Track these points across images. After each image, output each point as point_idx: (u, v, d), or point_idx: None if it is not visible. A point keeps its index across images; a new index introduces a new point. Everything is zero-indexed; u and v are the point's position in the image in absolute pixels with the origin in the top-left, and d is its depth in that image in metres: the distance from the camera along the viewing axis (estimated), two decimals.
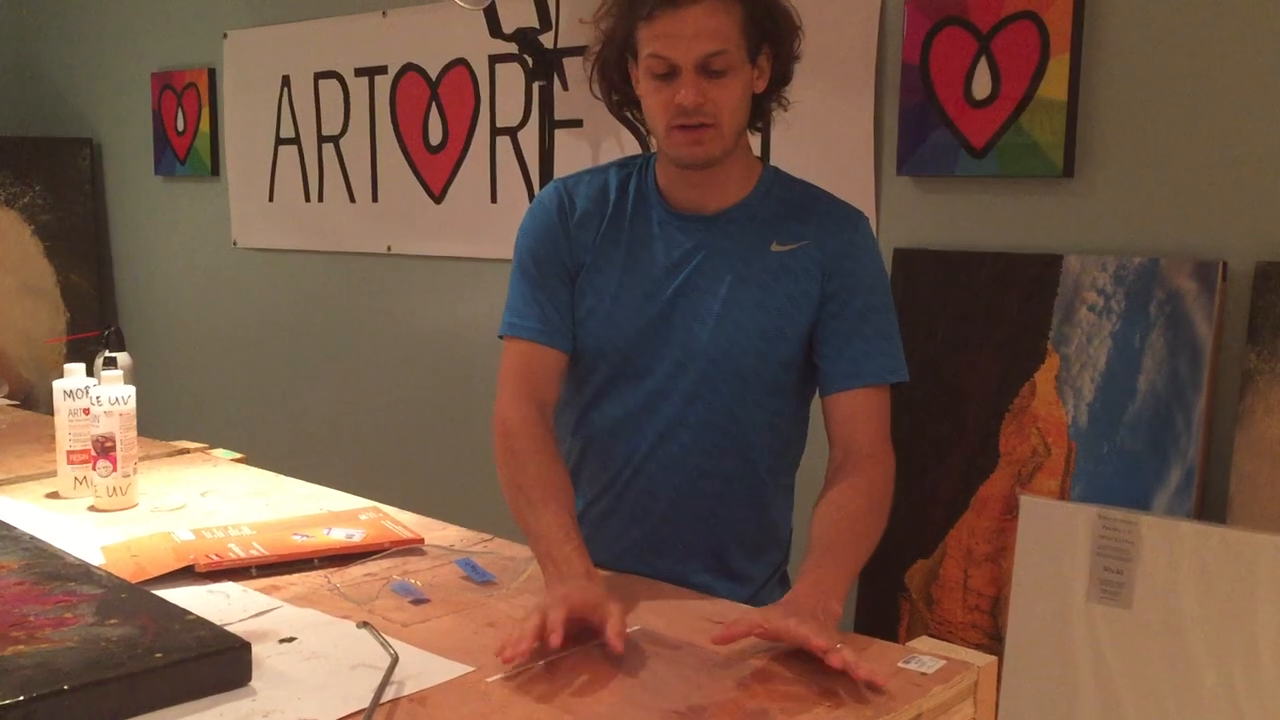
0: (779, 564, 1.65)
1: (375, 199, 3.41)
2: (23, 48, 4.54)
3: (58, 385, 1.84)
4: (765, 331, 1.48)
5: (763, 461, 1.55)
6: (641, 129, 1.60)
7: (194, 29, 3.91)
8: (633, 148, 2.70)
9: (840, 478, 1.43)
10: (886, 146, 2.40)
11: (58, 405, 1.84)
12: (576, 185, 1.57)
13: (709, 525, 1.56)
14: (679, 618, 1.32)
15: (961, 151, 2.27)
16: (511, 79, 3.02)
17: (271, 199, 3.71)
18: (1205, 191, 2.04)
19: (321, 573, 1.47)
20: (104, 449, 1.74)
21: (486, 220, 3.12)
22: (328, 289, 3.61)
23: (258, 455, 2.18)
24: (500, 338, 1.55)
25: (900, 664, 1.18)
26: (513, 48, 2.61)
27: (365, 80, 3.38)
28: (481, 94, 3.10)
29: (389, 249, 3.40)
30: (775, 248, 1.50)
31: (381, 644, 1.21)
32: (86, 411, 1.80)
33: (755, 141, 1.90)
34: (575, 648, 1.20)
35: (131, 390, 1.78)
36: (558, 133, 2.70)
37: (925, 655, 1.20)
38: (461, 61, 3.13)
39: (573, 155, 2.79)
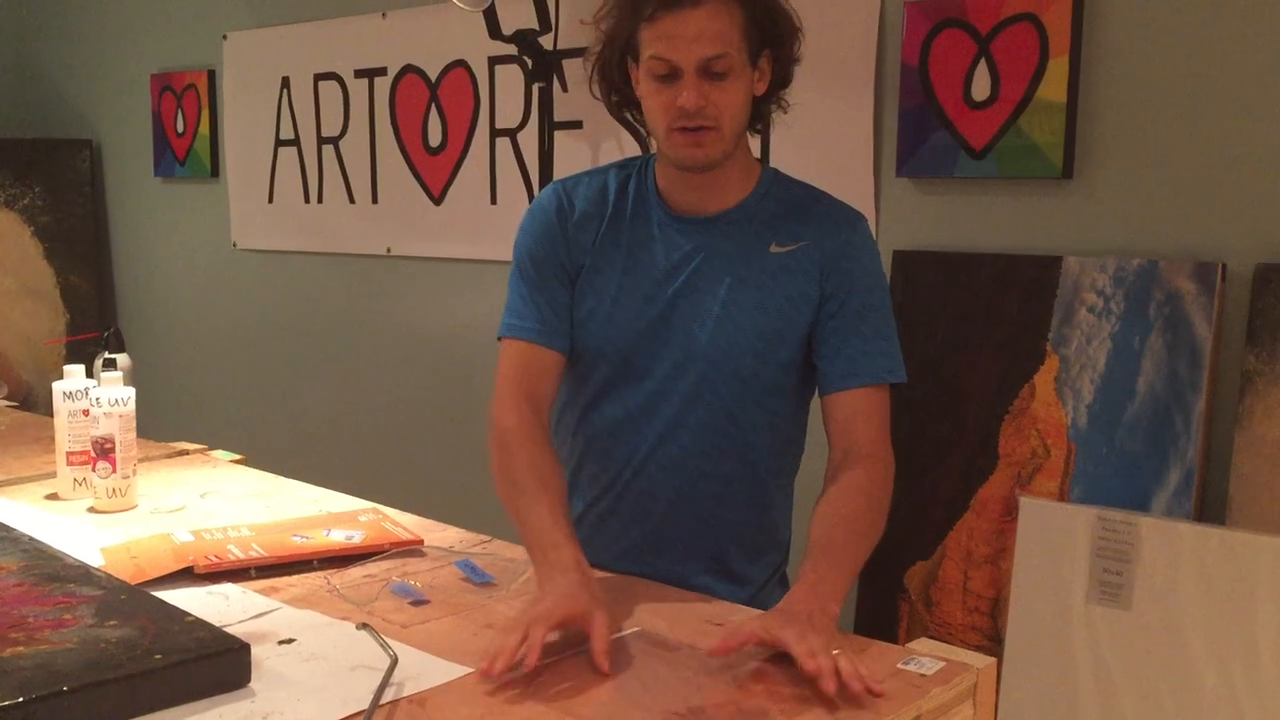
0: (778, 565, 1.65)
1: (375, 200, 3.41)
2: (23, 49, 4.54)
3: (57, 387, 1.84)
4: (764, 333, 1.49)
5: (762, 462, 1.55)
6: (641, 130, 1.61)
7: (194, 30, 3.92)
8: (632, 149, 2.70)
9: (839, 478, 1.43)
10: (886, 148, 2.40)
11: (57, 407, 1.84)
12: (575, 187, 1.57)
13: (709, 526, 1.56)
14: (679, 619, 1.32)
15: (961, 153, 2.27)
16: (511, 80, 3.02)
17: (271, 200, 3.71)
18: (1204, 193, 2.04)
19: (321, 574, 1.47)
20: (103, 450, 1.74)
21: (486, 222, 3.12)
22: (327, 290, 3.61)
23: (257, 457, 2.18)
24: (499, 339, 1.55)
25: (899, 665, 1.18)
26: (512, 49, 2.61)
27: (365, 82, 3.38)
28: (481, 95, 3.10)
29: (388, 250, 3.40)
30: (774, 249, 1.50)
31: (381, 645, 1.21)
32: (86, 413, 1.80)
33: (755, 143, 1.90)
34: (572, 651, 1.19)
35: (131, 392, 1.78)
36: (557, 134, 2.70)
37: (924, 657, 1.21)
38: (461, 63, 3.14)
39: (572, 157, 2.80)
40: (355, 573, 1.48)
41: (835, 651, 1.13)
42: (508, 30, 2.57)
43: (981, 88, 2.24)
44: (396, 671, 1.15)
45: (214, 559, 1.46)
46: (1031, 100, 2.18)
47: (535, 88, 2.61)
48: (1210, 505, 2.01)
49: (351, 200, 3.47)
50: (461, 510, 1.99)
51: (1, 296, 4.12)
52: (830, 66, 2.40)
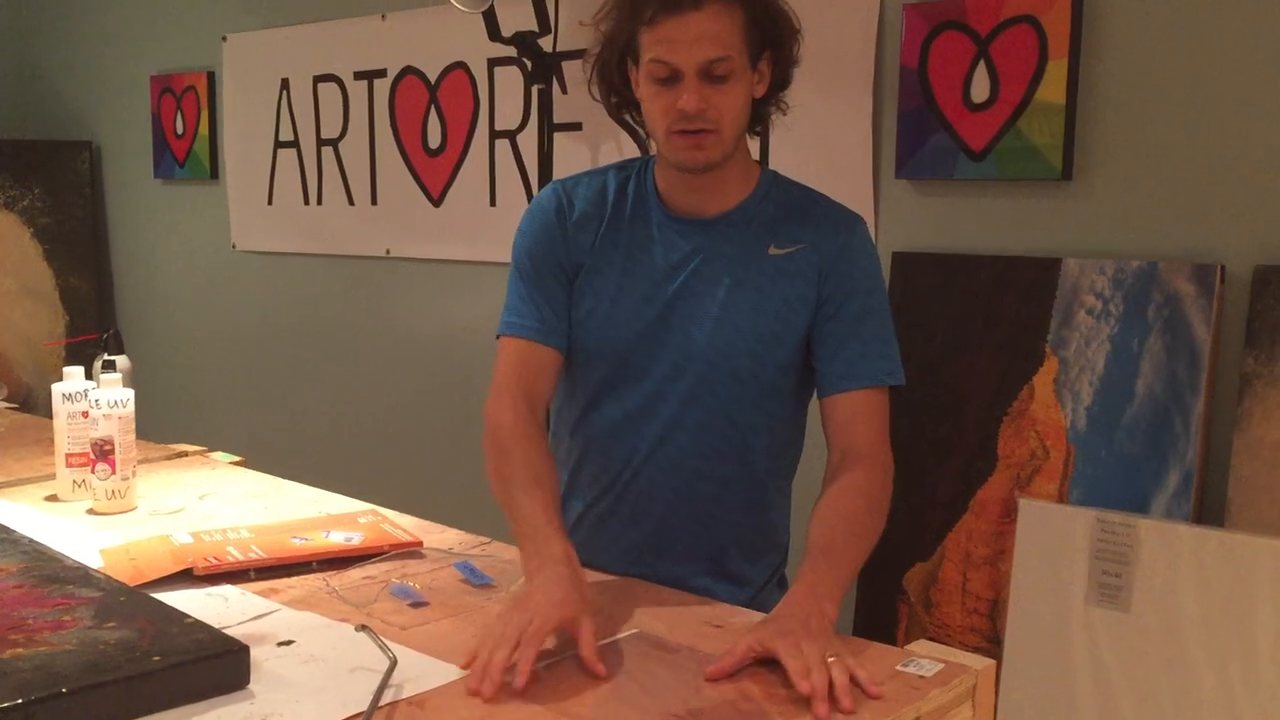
0: (777, 566, 1.65)
1: (374, 202, 3.41)
2: (22, 50, 4.54)
3: (57, 388, 1.84)
4: (762, 334, 1.49)
5: (760, 464, 1.55)
6: (640, 132, 1.60)
7: (193, 32, 3.92)
8: (631, 151, 2.70)
9: (838, 479, 1.43)
10: (885, 150, 2.40)
11: (56, 408, 1.84)
12: (575, 187, 1.57)
13: (707, 527, 1.56)
14: (678, 621, 1.32)
15: (960, 155, 2.27)
16: (510, 82, 3.02)
17: (270, 202, 3.71)
18: (1203, 195, 2.04)
19: (320, 576, 1.47)
20: (103, 452, 1.74)
21: (485, 223, 3.12)
22: (327, 292, 3.61)
23: (256, 458, 2.18)
24: (498, 338, 1.55)
25: (898, 667, 1.18)
26: (512, 51, 2.61)
27: (364, 83, 3.38)
28: (480, 97, 3.11)
29: (388, 252, 3.40)
30: (773, 251, 1.50)
31: (380, 647, 1.21)
32: (85, 414, 1.80)
33: (754, 145, 1.90)
34: (570, 652, 1.19)
35: (130, 393, 1.78)
36: (557, 136, 2.71)
37: (923, 658, 1.21)
38: (460, 65, 3.14)
39: (572, 158, 2.80)
40: (354, 574, 1.48)
41: (831, 658, 1.13)
42: (507, 32, 2.57)
43: (981, 89, 2.24)
44: (395, 673, 1.15)
45: (213, 561, 1.46)
46: (1031, 102, 2.18)
47: (535, 89, 2.62)
48: (1209, 507, 2.01)
49: (351, 202, 3.47)
50: (461, 512, 1.99)
51: (1, 298, 4.12)
52: (829, 68, 2.40)
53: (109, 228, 4.39)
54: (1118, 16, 2.11)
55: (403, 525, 1.66)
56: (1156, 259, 2.07)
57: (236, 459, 2.16)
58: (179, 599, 1.33)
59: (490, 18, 2.57)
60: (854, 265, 1.50)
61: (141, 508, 1.79)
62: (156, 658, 1.08)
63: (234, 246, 3.88)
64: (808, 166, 2.29)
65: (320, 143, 3.53)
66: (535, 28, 2.55)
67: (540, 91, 2.59)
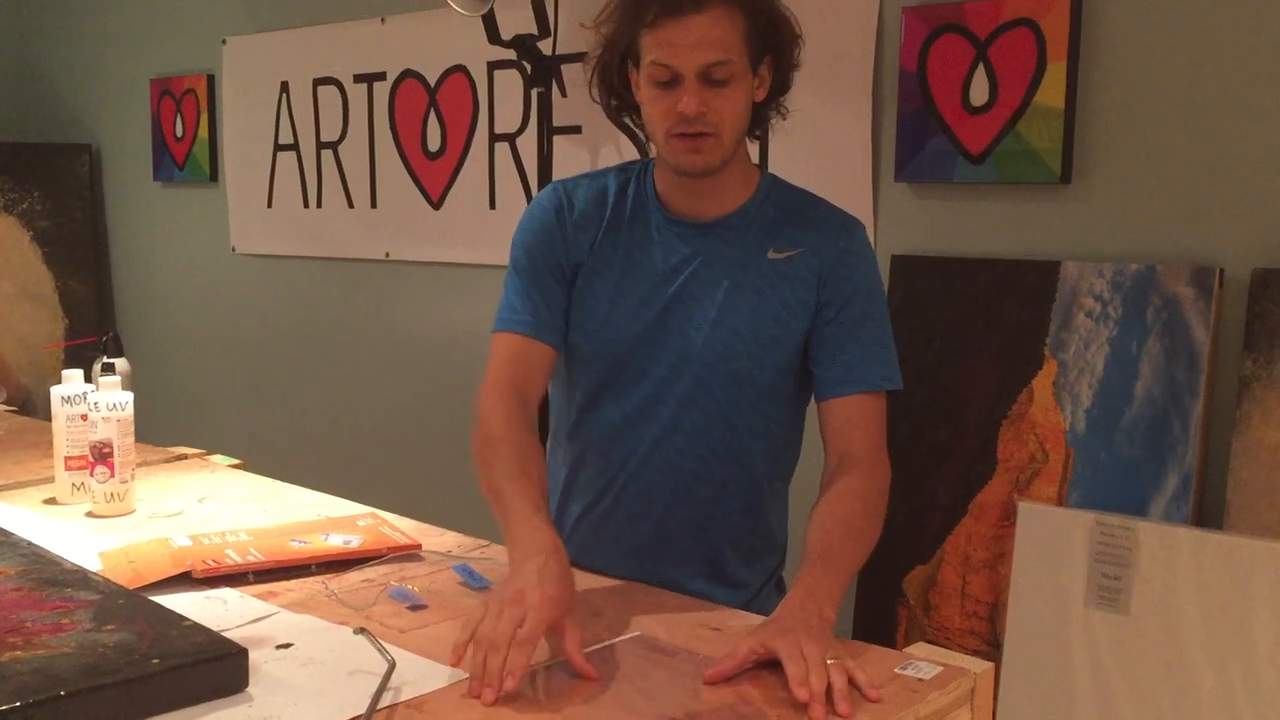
0: (774, 569, 1.65)
1: (374, 205, 3.41)
2: (22, 53, 4.55)
3: (56, 391, 1.84)
4: (761, 337, 1.49)
5: (758, 467, 1.55)
6: (640, 135, 1.61)
7: (193, 35, 3.92)
8: (631, 154, 2.70)
9: (835, 483, 1.43)
10: (884, 153, 2.40)
11: (56, 411, 1.84)
12: (575, 188, 1.57)
13: (705, 530, 1.56)
14: (676, 624, 1.32)
15: (959, 158, 2.27)
16: (510, 85, 3.02)
17: (270, 205, 3.71)
18: (1202, 198, 2.04)
19: (319, 579, 1.47)
20: (102, 455, 1.74)
21: (485, 226, 3.13)
22: (326, 295, 3.61)
23: (255, 461, 2.18)
24: (493, 333, 1.54)
25: (897, 670, 1.18)
26: (511, 54, 2.61)
27: (364, 86, 3.39)
28: (480, 100, 3.11)
29: (387, 255, 3.40)
30: (772, 255, 1.50)
31: (379, 650, 1.21)
32: (84, 417, 1.80)
33: (754, 149, 1.90)
34: (562, 659, 1.19)
35: (129, 396, 1.78)
36: (556, 139, 2.71)
37: (922, 661, 1.20)
38: (460, 68, 3.14)
39: (571, 161, 2.80)
40: (353, 577, 1.48)
41: (831, 660, 1.13)
42: (506, 35, 2.57)
43: (980, 93, 2.24)
44: (394, 676, 1.15)
45: (212, 563, 1.46)
46: (1030, 105, 2.18)
47: (534, 93, 2.62)
48: (1208, 510, 2.01)
49: (350, 205, 3.47)
50: (460, 515, 1.98)
51: (0, 300, 4.12)
52: (829, 72, 2.41)
53: (108, 230, 4.39)
54: (1117, 20, 2.11)
55: (401, 528, 1.66)
56: (1155, 262, 2.07)
57: (235, 462, 2.16)
58: (178, 602, 1.32)
59: (490, 21, 2.57)
60: (853, 269, 1.50)
61: (140, 511, 1.79)
62: (155, 660, 1.08)
63: (233, 249, 3.88)
64: (807, 170, 2.29)
65: (320, 146, 3.53)
66: (535, 31, 2.55)
67: (540, 94, 2.59)
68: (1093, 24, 2.13)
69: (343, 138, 3.46)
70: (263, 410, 3.86)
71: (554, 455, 1.67)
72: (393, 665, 1.16)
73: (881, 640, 1.68)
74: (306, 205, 3.59)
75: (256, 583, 1.45)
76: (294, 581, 1.46)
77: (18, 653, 1.09)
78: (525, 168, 3.02)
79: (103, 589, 1.29)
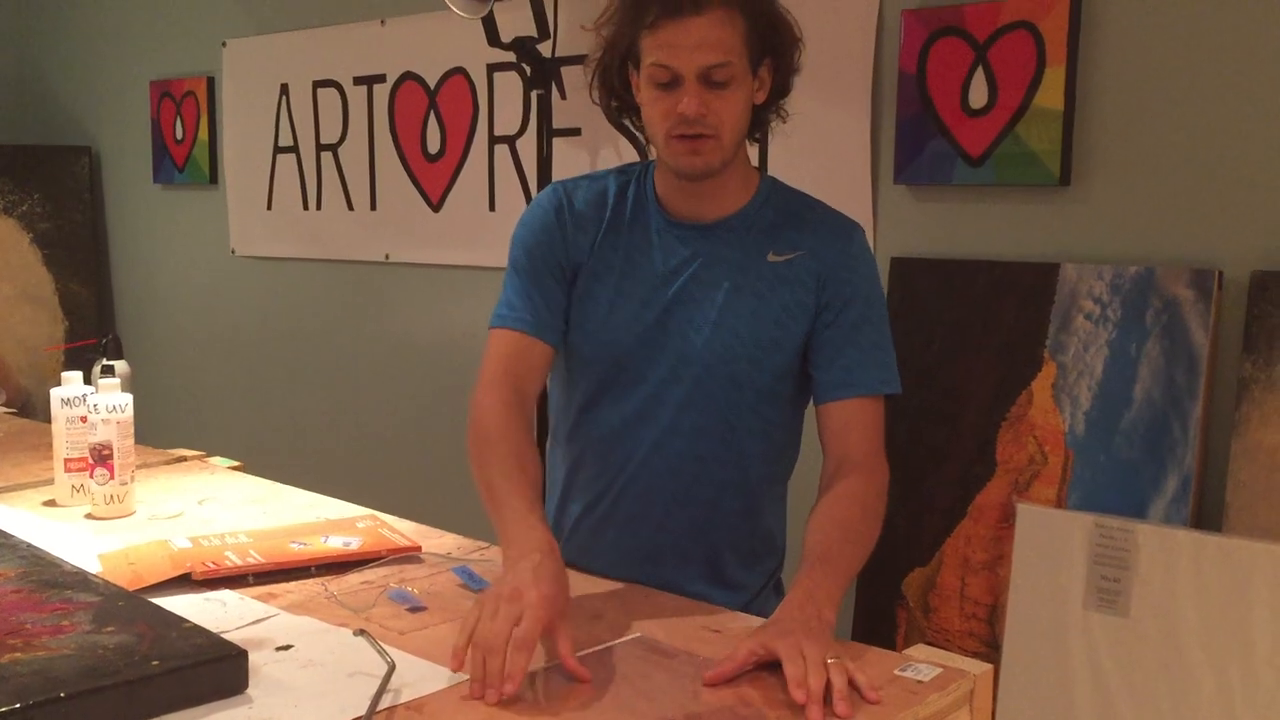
0: (773, 571, 1.65)
1: (373, 207, 3.41)
2: (22, 55, 4.55)
3: (55, 393, 1.84)
4: (760, 340, 1.49)
5: (756, 469, 1.56)
6: (640, 137, 1.61)
7: (193, 37, 3.92)
8: (630, 156, 2.70)
9: (834, 486, 1.43)
10: (884, 156, 2.40)
11: (55, 413, 1.84)
12: (575, 189, 1.57)
13: (704, 532, 1.56)
14: (676, 626, 1.32)
15: (958, 160, 2.27)
16: (510, 87, 3.03)
17: (270, 207, 3.71)
18: (1201, 200, 2.05)
19: (318, 580, 1.47)
20: (101, 457, 1.74)
21: (485, 228, 3.13)
22: (326, 297, 3.61)
23: (255, 463, 2.18)
24: (490, 329, 1.54)
25: (896, 672, 1.19)
26: (511, 56, 2.62)
27: (364, 89, 3.39)
28: (480, 102, 3.11)
29: (387, 257, 3.40)
30: (772, 257, 1.50)
31: (378, 652, 1.21)
32: (84, 419, 1.80)
33: (753, 151, 1.91)
34: (556, 662, 1.19)
35: (129, 398, 1.79)
36: (556, 141, 2.71)
37: (921, 663, 1.21)
38: (460, 70, 3.14)
39: (571, 163, 2.80)
40: (353, 579, 1.48)
41: (832, 660, 1.13)
42: (506, 37, 2.58)
43: (979, 95, 2.24)
44: (394, 677, 1.15)
45: (211, 565, 1.46)
46: (1029, 108, 2.18)
47: (534, 95, 2.62)
48: (1207, 512, 2.01)
49: (350, 207, 3.47)
50: (459, 517, 1.99)
51: (1, 303, 4.12)
52: (828, 74, 2.41)
53: (108, 233, 4.39)
54: (1116, 23, 2.12)
55: (401, 530, 1.66)
56: (1154, 264, 2.07)
57: (235, 464, 2.16)
58: (177, 604, 1.32)
59: (489, 23, 2.58)
60: (853, 273, 1.50)
61: (140, 512, 1.79)
62: (155, 662, 1.08)
63: (233, 251, 3.88)
64: (806, 172, 2.29)
65: (320, 148, 3.53)
66: (534, 33, 2.56)
67: (539, 97, 2.59)
68: (1092, 27, 2.13)
69: (342, 140, 3.47)
70: (262, 412, 3.86)
71: (553, 456, 1.67)
72: (392, 667, 1.16)
73: (881, 642, 1.69)
74: (306, 207, 3.59)
75: (256, 584, 1.45)
76: (294, 583, 1.46)
77: (18, 654, 1.09)
78: (525, 170, 3.02)
79: (102, 591, 1.29)
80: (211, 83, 3.87)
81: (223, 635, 1.17)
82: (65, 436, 1.82)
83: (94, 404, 1.75)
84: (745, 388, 1.50)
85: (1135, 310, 2.06)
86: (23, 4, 4.53)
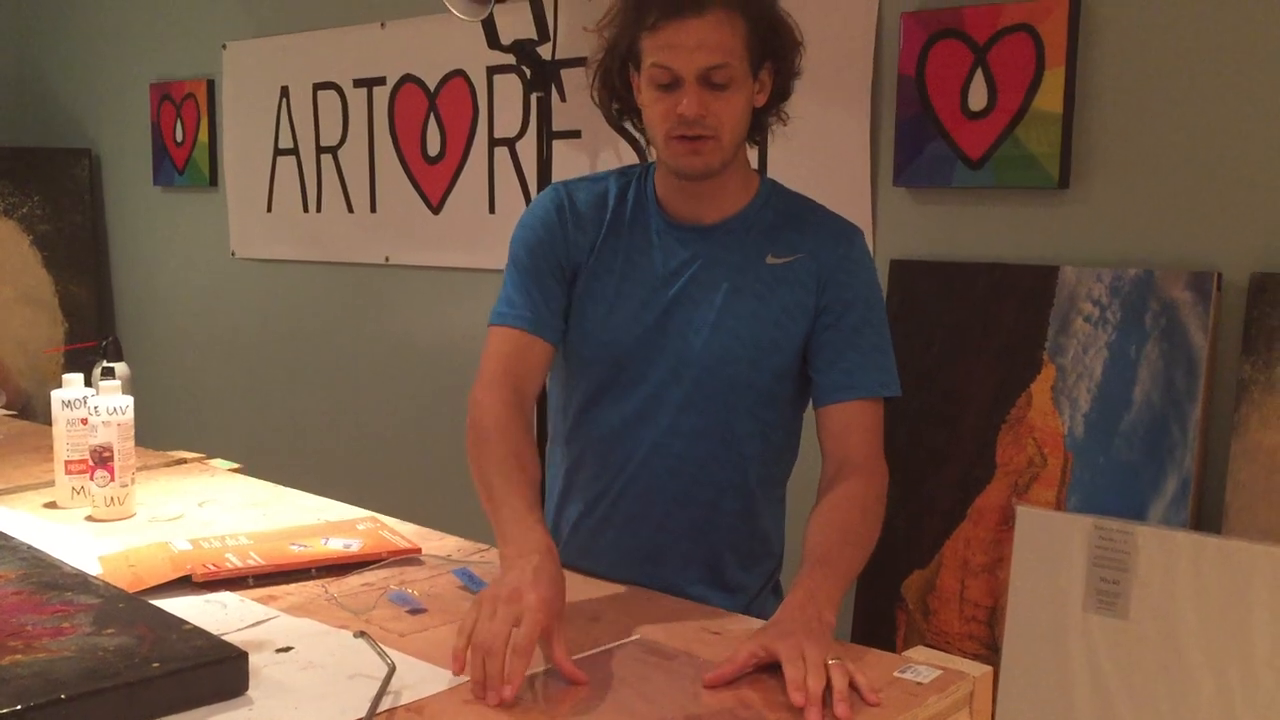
0: (772, 573, 1.65)
1: (373, 209, 3.41)
2: (22, 58, 4.55)
3: (56, 395, 1.84)
4: (759, 341, 1.49)
5: (755, 471, 1.56)
6: (639, 140, 1.61)
7: (193, 40, 3.93)
8: (630, 159, 2.70)
9: (833, 489, 1.43)
10: (883, 158, 2.41)
11: (56, 415, 1.84)
12: (576, 189, 1.57)
13: (704, 533, 1.56)
14: (676, 627, 1.32)
15: (958, 163, 2.28)
16: (509, 90, 3.03)
17: (270, 209, 3.72)
18: (1200, 203, 2.05)
19: (319, 582, 1.47)
20: (102, 459, 1.74)
21: (484, 231, 3.13)
22: (326, 299, 3.62)
23: (255, 465, 2.18)
24: (490, 326, 1.53)
25: (896, 673, 1.19)
26: (511, 59, 2.62)
27: (364, 91, 3.39)
28: (479, 105, 3.11)
29: (387, 259, 3.40)
30: (771, 260, 1.50)
31: (378, 654, 1.21)
32: (84, 421, 1.80)
33: (753, 154, 1.91)
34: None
35: (129, 400, 1.79)
36: (556, 143, 2.71)
37: (921, 665, 1.21)
38: (459, 73, 3.15)
39: (570, 166, 2.80)
40: (353, 581, 1.48)
41: (832, 662, 1.13)
42: (506, 40, 2.58)
43: (978, 98, 2.24)
44: (394, 679, 1.15)
45: (212, 567, 1.46)
46: (1028, 111, 2.18)
47: (534, 97, 2.62)
48: (1207, 514, 2.01)
49: (350, 209, 3.47)
50: (459, 519, 1.99)
51: (0, 305, 4.13)
52: (827, 77, 2.41)
53: (108, 235, 4.39)
54: (1115, 25, 2.12)
55: (401, 532, 1.66)
56: (1153, 266, 2.07)
57: (235, 466, 2.16)
58: (178, 606, 1.33)
59: (489, 26, 2.58)
60: (852, 276, 1.51)
61: (140, 515, 1.80)
62: (155, 664, 1.08)
63: (233, 254, 3.88)
64: (806, 174, 2.29)
65: (320, 150, 3.54)
66: (534, 36, 2.56)
67: (539, 99, 2.60)
68: (1091, 29, 2.14)
69: (342, 142, 3.47)
70: (263, 415, 3.86)
71: (552, 457, 1.67)
72: (392, 669, 1.17)
73: (880, 644, 1.69)
74: (306, 210, 3.60)
75: (256, 586, 1.45)
76: (294, 585, 1.46)
77: (18, 656, 1.09)
78: (525, 172, 3.02)
79: (103, 593, 1.29)
80: (212, 85, 3.87)
81: (223, 637, 1.18)
82: (66, 438, 1.83)
83: (94, 406, 1.76)
84: (744, 389, 1.51)
85: (1134, 312, 2.07)
86: (23, 6, 4.54)
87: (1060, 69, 2.14)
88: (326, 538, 1.60)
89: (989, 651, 2.15)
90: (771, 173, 2.09)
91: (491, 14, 2.55)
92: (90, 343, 4.06)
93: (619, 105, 1.53)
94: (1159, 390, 2.03)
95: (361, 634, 1.27)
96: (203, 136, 3.90)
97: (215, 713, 1.08)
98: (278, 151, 3.66)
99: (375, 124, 3.37)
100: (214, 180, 3.91)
